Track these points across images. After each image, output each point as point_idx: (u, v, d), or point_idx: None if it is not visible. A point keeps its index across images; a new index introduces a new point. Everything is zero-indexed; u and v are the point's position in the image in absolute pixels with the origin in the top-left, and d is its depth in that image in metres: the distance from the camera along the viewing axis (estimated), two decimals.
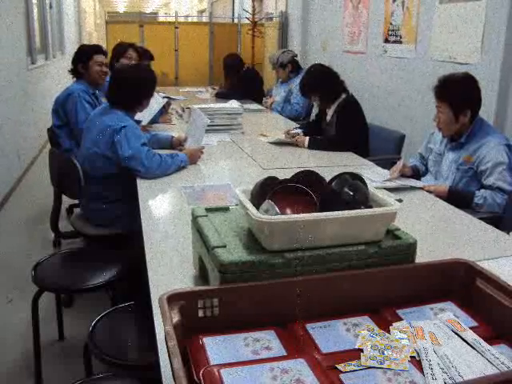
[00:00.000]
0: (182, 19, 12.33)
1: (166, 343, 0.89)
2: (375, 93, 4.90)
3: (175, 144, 3.01)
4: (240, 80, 5.24)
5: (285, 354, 1.01)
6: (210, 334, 1.05)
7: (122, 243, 2.52)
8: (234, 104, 3.88)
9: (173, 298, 1.02)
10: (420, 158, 2.83)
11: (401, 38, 4.45)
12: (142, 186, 2.36)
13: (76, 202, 3.29)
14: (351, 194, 1.32)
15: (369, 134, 3.41)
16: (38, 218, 4.16)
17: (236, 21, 8.54)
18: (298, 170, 1.37)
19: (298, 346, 1.06)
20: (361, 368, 0.97)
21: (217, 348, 1.01)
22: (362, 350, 1.02)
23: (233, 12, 11.16)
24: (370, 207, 1.30)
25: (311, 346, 1.05)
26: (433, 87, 2.51)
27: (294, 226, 1.17)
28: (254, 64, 7.19)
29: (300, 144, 3.24)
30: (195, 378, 0.92)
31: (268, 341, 1.05)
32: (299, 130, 3.49)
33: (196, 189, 2.31)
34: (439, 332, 1.07)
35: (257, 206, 1.23)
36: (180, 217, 1.97)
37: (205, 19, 12.84)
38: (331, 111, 3.35)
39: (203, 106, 3.72)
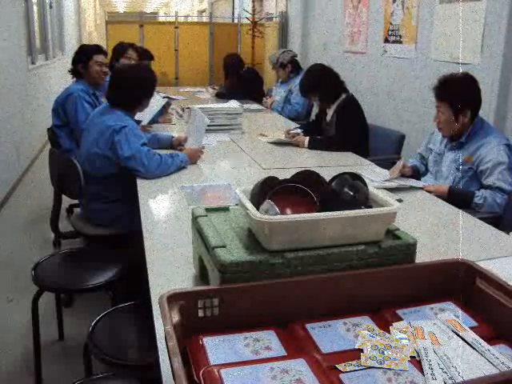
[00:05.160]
0: (182, 19, 12.34)
1: (166, 343, 0.89)
2: (375, 93, 4.90)
3: (175, 144, 3.01)
4: (240, 80, 5.24)
5: (285, 354, 1.01)
6: (210, 333, 1.05)
7: (122, 243, 2.52)
8: (234, 104, 3.88)
9: (173, 298, 1.02)
10: (420, 157, 2.83)
11: (401, 37, 4.45)
12: (142, 186, 2.36)
13: (76, 202, 3.29)
14: (351, 193, 1.32)
15: (369, 134, 3.41)
16: (38, 218, 4.16)
17: (236, 21, 8.54)
18: (298, 170, 1.37)
19: (298, 345, 1.06)
20: (361, 368, 0.97)
21: (217, 348, 1.01)
22: (361, 350, 1.02)
23: (233, 12, 11.15)
24: (370, 207, 1.30)
25: (311, 346, 1.05)
26: (433, 87, 2.51)
27: (294, 226, 1.17)
28: (254, 64, 7.19)
29: (300, 144, 3.24)
30: (195, 378, 0.92)
31: (268, 341, 1.05)
32: (299, 130, 3.49)
33: (196, 189, 2.31)
34: (439, 332, 1.07)
35: (257, 206, 1.23)
36: (180, 217, 1.97)
37: (205, 19, 12.85)
38: (331, 111, 3.35)
39: (203, 106, 3.72)
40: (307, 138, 3.24)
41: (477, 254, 1.65)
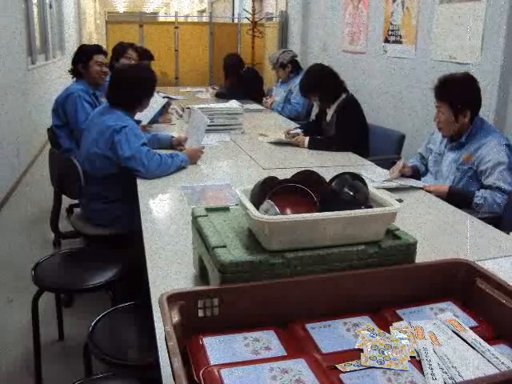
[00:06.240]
0: (182, 19, 12.34)
1: (166, 343, 0.89)
2: (375, 93, 4.90)
3: (175, 144, 3.01)
4: (240, 80, 5.24)
5: (285, 354, 1.01)
6: (210, 333, 1.05)
7: (122, 243, 2.52)
8: (234, 104, 3.88)
9: (173, 298, 1.02)
10: (420, 157, 2.83)
11: (401, 37, 4.45)
12: (142, 186, 2.36)
13: (76, 202, 3.29)
14: (351, 193, 1.32)
15: (369, 134, 3.41)
16: (38, 218, 4.16)
17: (236, 21, 8.54)
18: (298, 170, 1.37)
19: (298, 345, 1.06)
20: (361, 368, 0.97)
21: (217, 348, 1.01)
22: (361, 350, 1.02)
23: (233, 12, 11.16)
24: (370, 207, 1.30)
25: (311, 346, 1.05)
26: (433, 87, 2.51)
27: (294, 226, 1.17)
28: (254, 64, 7.19)
29: (300, 144, 3.24)
30: (195, 378, 0.92)
31: (268, 341, 1.05)
32: (299, 130, 3.49)
33: (196, 189, 2.31)
34: (439, 332, 1.07)
35: (257, 206, 1.23)
36: (180, 217, 1.97)
37: (205, 19, 12.85)
38: (331, 111, 3.35)
39: (203, 105, 3.72)
40: (307, 138, 3.24)
41: (477, 254, 1.65)
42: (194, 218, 1.36)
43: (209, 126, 3.05)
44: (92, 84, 3.53)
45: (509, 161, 2.37)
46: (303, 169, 1.39)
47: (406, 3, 4.34)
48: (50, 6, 8.17)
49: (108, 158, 2.51)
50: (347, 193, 1.32)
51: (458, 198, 2.36)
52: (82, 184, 2.42)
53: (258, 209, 1.21)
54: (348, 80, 3.47)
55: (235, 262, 1.13)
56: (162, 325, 0.95)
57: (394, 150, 3.41)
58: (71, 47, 9.84)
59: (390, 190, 2.33)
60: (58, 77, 8.01)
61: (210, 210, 1.40)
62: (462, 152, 2.50)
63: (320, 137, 3.34)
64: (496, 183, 2.34)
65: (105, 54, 3.63)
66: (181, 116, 4.09)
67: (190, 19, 16.06)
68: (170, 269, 1.52)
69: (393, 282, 1.21)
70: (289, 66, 4.96)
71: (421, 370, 0.96)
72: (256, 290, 1.12)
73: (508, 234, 1.88)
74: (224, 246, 1.18)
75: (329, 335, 1.08)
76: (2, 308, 2.90)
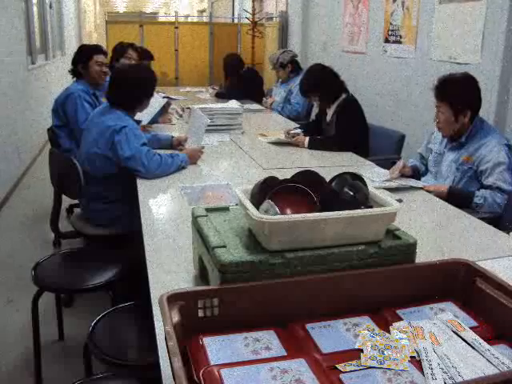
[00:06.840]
0: (182, 19, 12.34)
1: (166, 343, 0.89)
2: (375, 93, 4.90)
3: (175, 144, 3.01)
4: (240, 80, 5.25)
5: (285, 354, 1.01)
6: (210, 334, 1.05)
7: (122, 243, 2.52)
8: (234, 104, 3.88)
9: (173, 298, 1.02)
10: (420, 157, 2.83)
11: (401, 38, 4.45)
12: (142, 185, 2.36)
13: (76, 201, 3.29)
14: (351, 193, 1.32)
15: (369, 134, 3.41)
16: (38, 218, 4.16)
17: (236, 21, 8.54)
18: (298, 170, 1.37)
19: (298, 345, 1.06)
20: (361, 368, 0.97)
21: (217, 348, 1.01)
22: (361, 350, 1.02)
23: (233, 12, 11.15)
24: (370, 207, 1.30)
25: (311, 346, 1.05)
26: (432, 87, 2.51)
27: (294, 226, 1.17)
28: (253, 64, 7.19)
29: (300, 144, 3.24)
30: (195, 377, 0.92)
31: (268, 341, 1.05)
32: (299, 130, 3.49)
33: (196, 189, 2.31)
34: (439, 332, 1.07)
35: (257, 206, 1.23)
36: (180, 217, 1.97)
37: (205, 19, 12.86)
38: (331, 111, 3.35)
39: (203, 106, 3.72)
40: (307, 138, 3.24)
41: (477, 254, 1.65)
42: (194, 218, 1.36)
43: (209, 126, 3.05)
44: (92, 84, 3.53)
45: (509, 161, 2.37)
46: (303, 169, 1.39)
47: (406, 3, 4.34)
48: (50, 6, 8.17)
49: (108, 158, 2.51)
50: (347, 193, 1.32)
51: (458, 197, 2.36)
52: (82, 184, 2.42)
53: (257, 209, 1.21)
54: (348, 80, 3.47)
55: (235, 262, 1.13)
56: (162, 325, 0.95)
57: (393, 149, 3.40)
58: (71, 47, 9.85)
59: (390, 190, 2.33)
60: (58, 77, 8.01)
61: (209, 210, 1.40)
62: (461, 152, 2.50)
63: (320, 137, 3.34)
64: (496, 183, 2.34)
65: (105, 53, 3.63)
66: (181, 116, 4.09)
67: (189, 19, 16.06)
68: (170, 269, 1.52)
69: (393, 282, 1.21)
70: (289, 66, 4.96)
71: (421, 369, 0.96)
72: (256, 290, 1.12)
73: (508, 234, 1.88)
74: (224, 246, 1.18)
75: (329, 335, 1.08)
76: (2, 308, 2.90)
